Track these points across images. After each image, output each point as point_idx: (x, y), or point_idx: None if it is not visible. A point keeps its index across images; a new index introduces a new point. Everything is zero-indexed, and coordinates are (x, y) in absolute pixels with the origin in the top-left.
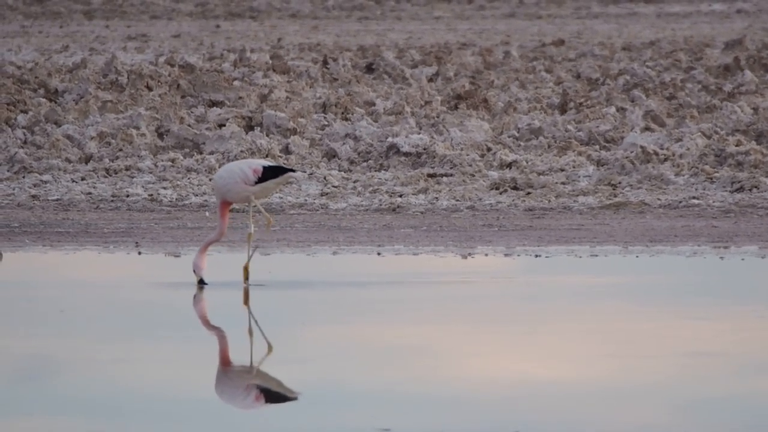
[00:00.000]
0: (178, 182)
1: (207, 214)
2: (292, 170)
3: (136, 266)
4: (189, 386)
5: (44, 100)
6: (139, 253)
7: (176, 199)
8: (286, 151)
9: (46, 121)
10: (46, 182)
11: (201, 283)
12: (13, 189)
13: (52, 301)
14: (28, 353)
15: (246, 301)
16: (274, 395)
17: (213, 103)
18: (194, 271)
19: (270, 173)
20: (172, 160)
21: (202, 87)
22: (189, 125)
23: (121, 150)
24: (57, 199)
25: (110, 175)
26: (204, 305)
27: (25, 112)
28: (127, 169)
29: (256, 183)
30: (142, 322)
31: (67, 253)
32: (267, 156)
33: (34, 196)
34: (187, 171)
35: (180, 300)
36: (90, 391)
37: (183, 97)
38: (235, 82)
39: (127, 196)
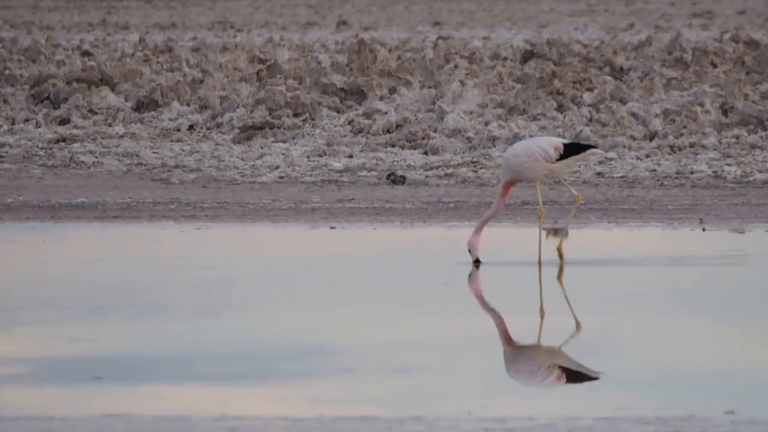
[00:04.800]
0: (743, 159)
1: None
2: (593, 146)
3: (700, 243)
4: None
5: (609, 77)
6: (703, 230)
7: (740, 175)
8: None
9: (611, 99)
10: (611, 159)
11: (476, 262)
12: (580, 167)
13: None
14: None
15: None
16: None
17: None
18: (469, 251)
19: (571, 150)
20: (737, 137)
21: (767, 63)
22: (753, 102)
23: (685, 127)
24: (621, 176)
25: (674, 152)
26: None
27: (591, 90)
28: (691, 146)
29: (557, 160)
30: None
31: (632, 230)
32: None
33: (599, 173)
34: (751, 147)
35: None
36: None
37: (747, 73)
38: None
39: (692, 173)
